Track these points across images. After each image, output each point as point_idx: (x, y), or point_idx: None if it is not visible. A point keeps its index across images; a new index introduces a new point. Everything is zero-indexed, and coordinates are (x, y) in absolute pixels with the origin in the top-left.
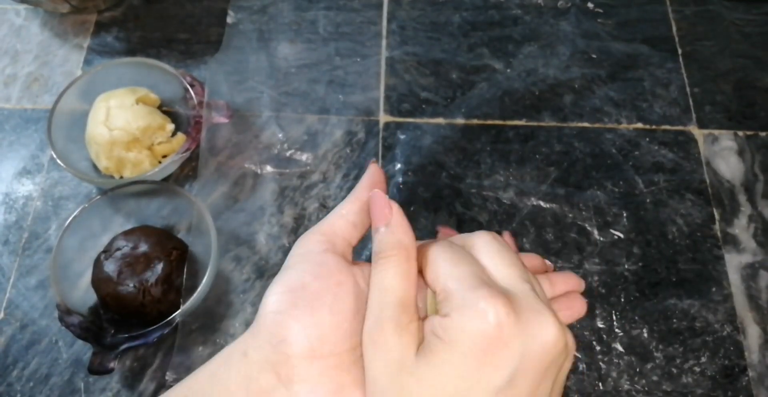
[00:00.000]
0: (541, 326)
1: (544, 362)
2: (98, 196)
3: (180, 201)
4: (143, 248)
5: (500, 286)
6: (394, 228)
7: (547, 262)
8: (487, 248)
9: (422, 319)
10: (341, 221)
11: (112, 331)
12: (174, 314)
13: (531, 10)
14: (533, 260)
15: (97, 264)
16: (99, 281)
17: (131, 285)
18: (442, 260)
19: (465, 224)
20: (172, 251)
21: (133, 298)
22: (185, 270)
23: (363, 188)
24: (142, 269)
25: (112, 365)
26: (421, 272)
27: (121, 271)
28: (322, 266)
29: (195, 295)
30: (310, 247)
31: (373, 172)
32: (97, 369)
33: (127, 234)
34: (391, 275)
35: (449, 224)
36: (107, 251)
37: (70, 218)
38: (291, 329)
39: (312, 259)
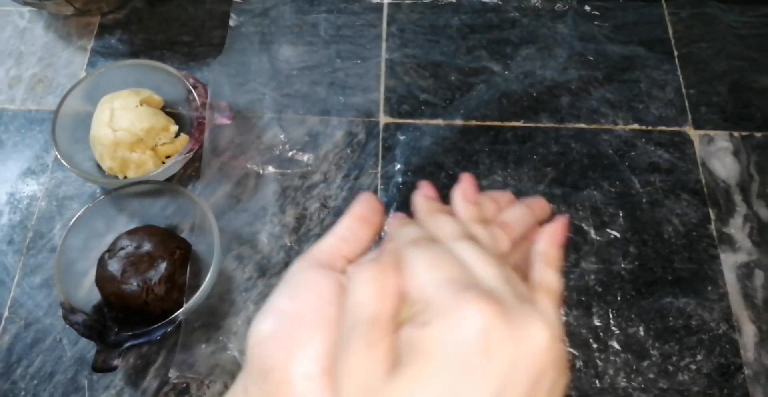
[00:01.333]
0: (531, 328)
1: (535, 370)
2: (102, 196)
3: (183, 201)
4: (147, 247)
5: (486, 288)
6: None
7: (505, 196)
8: (467, 251)
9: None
10: (330, 238)
11: (116, 329)
12: (177, 313)
13: (529, 13)
14: (500, 198)
15: (101, 263)
16: (103, 279)
17: (135, 284)
18: (419, 265)
19: None
20: (176, 251)
21: (136, 296)
22: (188, 269)
23: (354, 206)
24: (145, 268)
25: (115, 362)
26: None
27: (125, 270)
28: (299, 285)
29: (198, 293)
30: (290, 270)
31: (364, 197)
32: (101, 367)
33: (130, 234)
34: (364, 289)
35: None
36: (111, 251)
37: (75, 218)
38: (276, 357)
39: (289, 281)
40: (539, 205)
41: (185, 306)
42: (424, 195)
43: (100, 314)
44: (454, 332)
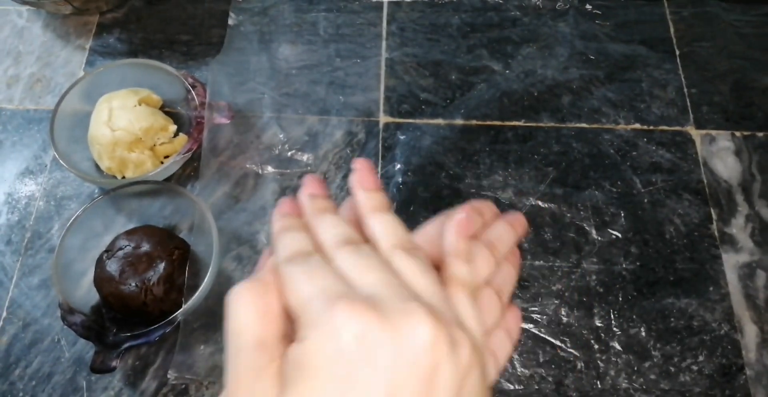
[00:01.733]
0: (411, 325)
1: (423, 368)
2: (100, 197)
3: (182, 201)
4: (145, 247)
5: (364, 294)
6: (258, 270)
7: (488, 208)
8: (346, 260)
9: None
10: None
11: (114, 330)
12: (176, 313)
13: (529, 12)
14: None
15: (100, 264)
16: (101, 280)
17: (133, 284)
18: (295, 282)
19: None
20: (174, 251)
21: (135, 297)
22: (187, 269)
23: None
24: (144, 269)
25: (114, 363)
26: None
27: (123, 270)
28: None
29: (197, 294)
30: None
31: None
32: (100, 368)
33: (129, 234)
34: (243, 313)
35: None
36: (109, 251)
37: (73, 218)
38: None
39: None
40: (519, 222)
41: (184, 307)
42: (309, 193)
43: (98, 315)
44: (330, 343)
